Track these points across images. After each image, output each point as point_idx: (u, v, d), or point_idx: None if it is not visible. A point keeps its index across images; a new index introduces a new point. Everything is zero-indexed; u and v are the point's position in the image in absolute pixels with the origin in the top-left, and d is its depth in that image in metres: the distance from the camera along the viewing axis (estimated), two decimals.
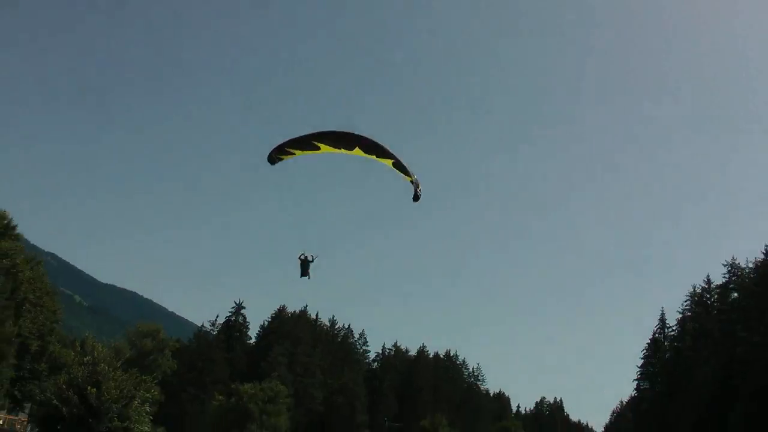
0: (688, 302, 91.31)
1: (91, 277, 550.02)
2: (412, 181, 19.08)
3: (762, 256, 73.17)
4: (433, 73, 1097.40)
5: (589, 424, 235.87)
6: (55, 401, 49.35)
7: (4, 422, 58.16)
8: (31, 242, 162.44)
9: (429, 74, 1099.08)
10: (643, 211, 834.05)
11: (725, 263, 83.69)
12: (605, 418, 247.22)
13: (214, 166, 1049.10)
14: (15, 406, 61.53)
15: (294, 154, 18.59)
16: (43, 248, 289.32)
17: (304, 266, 24.84)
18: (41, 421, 52.07)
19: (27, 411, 61.77)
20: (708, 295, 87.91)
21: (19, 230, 61.37)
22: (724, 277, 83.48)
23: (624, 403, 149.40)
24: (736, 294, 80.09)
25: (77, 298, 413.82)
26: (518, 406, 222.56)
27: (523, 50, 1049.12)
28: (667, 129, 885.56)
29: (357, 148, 17.77)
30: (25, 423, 60.59)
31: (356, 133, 17.23)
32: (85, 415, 49.55)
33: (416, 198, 19.26)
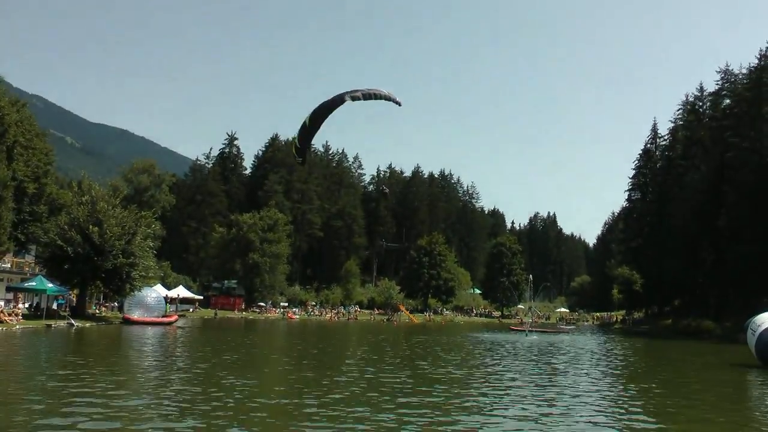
0: (681, 111, 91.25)
1: (81, 118, 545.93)
2: (385, 97, 18.98)
3: (756, 62, 72.29)
4: None
5: (581, 237, 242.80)
6: (59, 242, 50.26)
7: (12, 265, 59.50)
8: (15, 85, 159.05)
9: None
10: (634, 21, 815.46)
11: (719, 70, 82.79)
12: (597, 230, 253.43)
13: None
14: (21, 249, 62.68)
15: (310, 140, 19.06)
16: (27, 91, 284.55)
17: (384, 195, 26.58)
18: (48, 261, 53.24)
19: (33, 253, 63.03)
20: (700, 103, 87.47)
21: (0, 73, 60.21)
22: (717, 84, 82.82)
23: (615, 214, 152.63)
24: (728, 101, 79.74)
25: (69, 139, 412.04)
26: (512, 222, 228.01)
27: None
28: None
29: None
30: (33, 265, 62.02)
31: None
32: (90, 253, 50.69)
33: (399, 104, 19.56)
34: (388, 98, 18.77)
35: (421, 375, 23.36)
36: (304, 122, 18.39)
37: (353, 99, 18.08)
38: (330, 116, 18.78)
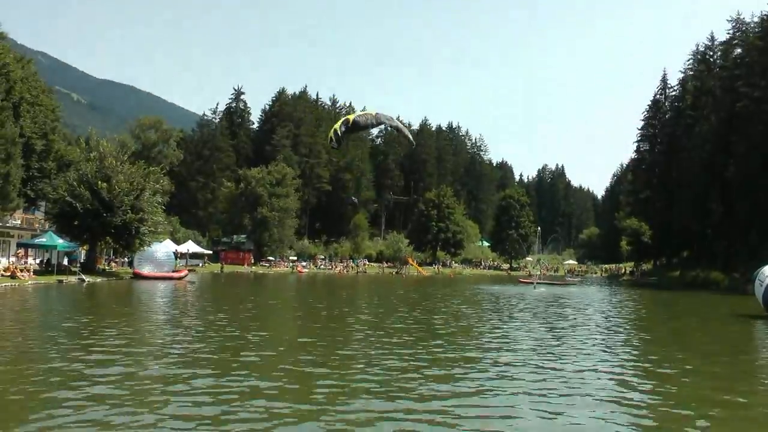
0: (691, 61, 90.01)
1: (87, 74, 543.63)
2: (405, 136, 21.86)
3: None
4: None
5: (590, 189, 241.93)
6: (68, 198, 50.43)
7: (22, 221, 59.89)
8: (19, 42, 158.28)
9: None
10: None
11: (730, 19, 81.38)
12: (606, 182, 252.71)
13: None
14: (30, 206, 63.08)
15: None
16: (32, 47, 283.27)
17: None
18: (57, 217, 53.46)
19: (42, 209, 63.38)
20: (711, 53, 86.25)
21: (3, 29, 59.58)
22: (728, 34, 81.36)
23: (624, 165, 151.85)
24: (739, 50, 78.54)
25: (75, 96, 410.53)
26: (521, 175, 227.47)
27: None
28: None
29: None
30: (42, 221, 62.36)
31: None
32: (99, 209, 50.89)
33: (413, 144, 25.38)
34: (407, 137, 21.92)
35: (432, 329, 23.58)
36: (347, 119, 20.25)
37: (386, 126, 20.77)
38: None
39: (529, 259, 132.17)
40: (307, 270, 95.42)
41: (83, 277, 47.80)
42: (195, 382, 12.13)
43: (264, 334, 20.36)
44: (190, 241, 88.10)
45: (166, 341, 17.79)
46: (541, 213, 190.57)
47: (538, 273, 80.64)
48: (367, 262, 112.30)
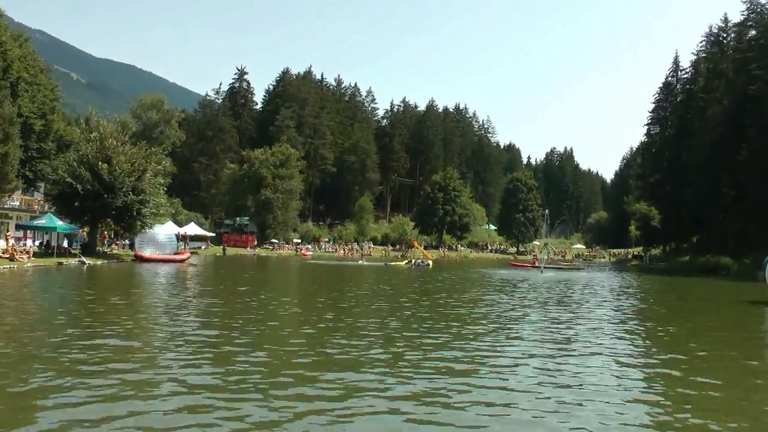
0: (704, 43, 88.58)
1: (86, 53, 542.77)
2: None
3: None
4: None
5: (598, 172, 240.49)
6: (68, 179, 49.48)
7: (21, 203, 59.08)
8: (16, 20, 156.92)
9: None
10: None
11: (744, 0, 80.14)
12: (615, 165, 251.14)
13: None
14: (29, 187, 62.18)
15: None
16: (29, 26, 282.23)
17: None
18: (57, 199, 52.53)
19: (42, 190, 62.52)
20: (724, 35, 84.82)
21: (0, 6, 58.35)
22: (742, 15, 79.89)
23: (634, 149, 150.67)
24: (753, 32, 77.10)
25: (74, 75, 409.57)
26: (529, 158, 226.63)
27: None
28: None
29: None
30: (42, 202, 61.52)
31: None
32: (100, 190, 49.95)
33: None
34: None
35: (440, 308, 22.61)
36: None
37: None
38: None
39: (536, 243, 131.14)
40: (311, 253, 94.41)
41: (84, 259, 47.02)
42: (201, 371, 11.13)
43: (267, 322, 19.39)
44: (192, 223, 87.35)
45: (167, 328, 16.80)
46: (549, 196, 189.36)
47: (546, 257, 78.88)
48: (372, 245, 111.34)
